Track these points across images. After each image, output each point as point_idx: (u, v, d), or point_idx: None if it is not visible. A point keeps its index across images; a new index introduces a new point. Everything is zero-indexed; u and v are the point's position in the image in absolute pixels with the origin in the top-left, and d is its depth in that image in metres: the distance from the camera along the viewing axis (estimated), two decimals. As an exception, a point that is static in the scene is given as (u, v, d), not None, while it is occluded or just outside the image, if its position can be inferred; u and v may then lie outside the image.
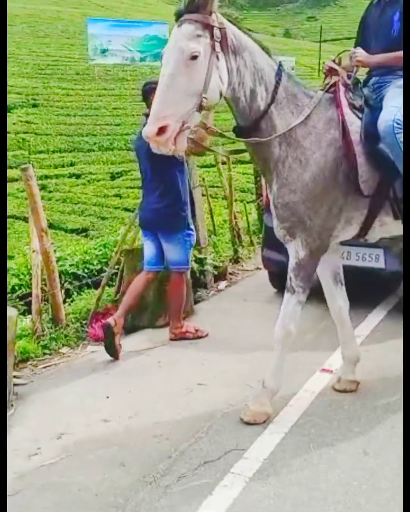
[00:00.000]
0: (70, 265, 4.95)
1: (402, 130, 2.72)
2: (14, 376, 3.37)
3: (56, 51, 28.48)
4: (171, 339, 4.04)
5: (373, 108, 2.89)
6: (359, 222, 2.94)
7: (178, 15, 2.51)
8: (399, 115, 2.75)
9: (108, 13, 33.23)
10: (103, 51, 25.86)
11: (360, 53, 2.94)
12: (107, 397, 3.23)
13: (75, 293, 4.72)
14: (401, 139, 2.72)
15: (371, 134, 2.80)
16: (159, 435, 2.84)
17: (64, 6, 33.90)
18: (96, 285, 4.73)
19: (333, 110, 2.83)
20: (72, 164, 16.91)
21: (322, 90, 2.89)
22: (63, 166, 16.80)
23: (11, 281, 4.59)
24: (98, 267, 5.06)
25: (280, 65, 2.76)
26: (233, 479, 2.47)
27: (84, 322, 4.26)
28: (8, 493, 2.40)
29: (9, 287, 4.52)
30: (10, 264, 4.99)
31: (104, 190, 14.18)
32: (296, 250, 2.85)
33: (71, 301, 4.59)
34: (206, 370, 3.56)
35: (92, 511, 2.30)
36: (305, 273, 2.86)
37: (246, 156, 3.62)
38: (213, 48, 2.49)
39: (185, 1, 2.48)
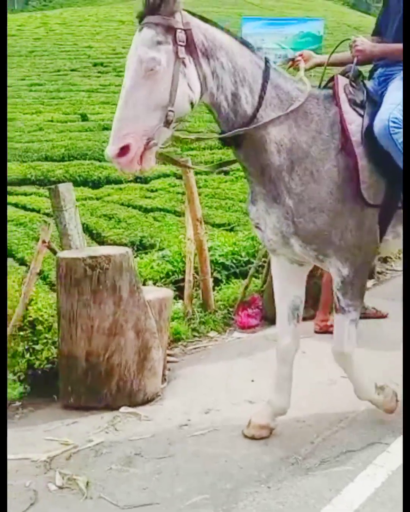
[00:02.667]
0: (220, 255, 5.18)
1: (401, 129, 2.37)
2: (168, 354, 3.63)
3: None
4: (316, 332, 4.08)
5: (375, 104, 2.56)
6: None
7: (139, 18, 2.24)
8: (396, 113, 2.41)
9: (263, 11, 33.61)
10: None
11: (361, 42, 2.58)
12: (252, 380, 3.38)
13: (223, 282, 4.94)
14: (400, 140, 2.38)
15: (370, 135, 2.46)
16: (302, 421, 2.92)
17: (221, 6, 34.81)
18: (243, 275, 4.91)
19: (335, 109, 2.49)
20: (221, 161, 17.39)
21: (322, 86, 2.58)
22: (212, 162, 17.31)
23: (166, 267, 4.92)
24: (246, 258, 5.24)
25: (267, 60, 2.43)
26: (375, 470, 2.48)
27: (231, 309, 4.45)
28: (161, 456, 2.65)
29: (163, 273, 4.86)
30: (165, 252, 5.37)
31: (251, 187, 14.47)
32: (337, 268, 2.52)
33: (219, 289, 4.81)
34: (350, 364, 3.56)
35: (236, 481, 2.45)
36: (354, 290, 2.54)
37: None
38: (177, 54, 2.20)
39: (144, 1, 2.20)
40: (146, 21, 2.19)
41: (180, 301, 4.40)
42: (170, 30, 2.18)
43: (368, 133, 2.46)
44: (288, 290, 2.75)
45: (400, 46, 2.51)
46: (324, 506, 2.26)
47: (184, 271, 4.52)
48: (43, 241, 3.28)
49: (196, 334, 4.12)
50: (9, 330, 3.26)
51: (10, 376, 3.52)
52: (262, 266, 4.79)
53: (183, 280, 4.54)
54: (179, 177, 14.87)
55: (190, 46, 2.23)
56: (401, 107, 2.44)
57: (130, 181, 16.31)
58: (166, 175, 15.32)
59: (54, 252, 3.38)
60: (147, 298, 3.27)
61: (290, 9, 37.60)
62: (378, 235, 2.56)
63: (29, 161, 17.65)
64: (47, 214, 15.23)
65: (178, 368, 3.61)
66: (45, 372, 3.34)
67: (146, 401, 3.16)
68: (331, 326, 4.08)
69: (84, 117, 21.08)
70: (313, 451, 2.65)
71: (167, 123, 2.21)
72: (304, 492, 2.36)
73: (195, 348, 3.95)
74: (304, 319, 4.28)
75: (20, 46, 29.18)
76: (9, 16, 41.47)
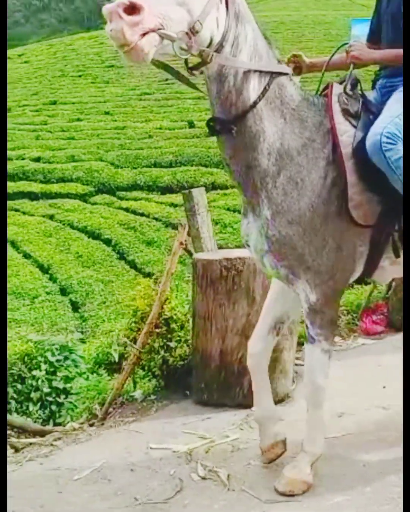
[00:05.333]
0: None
1: (395, 146, 2.14)
2: (296, 358, 3.68)
3: (316, 54, 29.08)
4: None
5: (372, 114, 2.34)
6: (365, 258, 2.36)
7: None
8: (392, 127, 2.17)
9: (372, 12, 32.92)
10: (365, 52, 25.61)
11: (356, 47, 2.38)
12: (384, 386, 3.35)
13: (347, 287, 4.91)
14: (394, 157, 2.14)
15: (362, 148, 2.22)
16: (440, 430, 2.85)
17: (328, 9, 34.40)
18: (366, 281, 4.84)
19: (329, 118, 2.29)
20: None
21: (320, 93, 2.44)
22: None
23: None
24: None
25: (278, 60, 2.29)
26: None
27: (354, 315, 4.42)
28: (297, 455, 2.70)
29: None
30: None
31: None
32: (305, 293, 2.29)
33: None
34: None
35: (376, 486, 2.45)
36: (323, 319, 2.31)
37: None
38: None
39: None
40: None
41: (302, 305, 4.43)
42: None
43: (360, 146, 2.24)
44: (278, 305, 2.59)
45: (400, 51, 2.28)
46: None
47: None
48: (180, 243, 3.44)
49: (320, 338, 4.12)
50: (146, 327, 3.45)
51: (140, 371, 3.73)
52: (384, 272, 4.72)
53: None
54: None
55: None
56: (398, 120, 2.22)
57: (235, 187, 16.44)
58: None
59: (190, 254, 3.53)
60: (277, 300, 3.33)
61: (399, 8, 36.41)
62: (356, 264, 2.35)
63: (139, 167, 18.39)
64: (156, 219, 15.76)
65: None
66: (177, 369, 3.50)
67: (277, 402, 3.21)
68: None
69: (191, 124, 21.62)
70: None
71: (192, 32, 1.95)
72: (449, 502, 2.31)
73: (319, 353, 3.95)
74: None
75: (131, 57, 30.44)
76: (120, 29, 43.24)
